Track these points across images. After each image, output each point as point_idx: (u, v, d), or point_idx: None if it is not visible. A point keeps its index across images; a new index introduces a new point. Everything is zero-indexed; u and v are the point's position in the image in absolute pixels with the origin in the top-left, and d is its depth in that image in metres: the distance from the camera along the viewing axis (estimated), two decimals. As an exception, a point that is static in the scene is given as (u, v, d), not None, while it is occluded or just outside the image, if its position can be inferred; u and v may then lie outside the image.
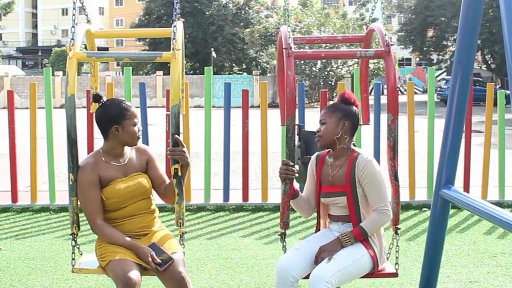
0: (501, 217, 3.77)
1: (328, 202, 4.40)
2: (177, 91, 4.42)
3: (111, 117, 4.19)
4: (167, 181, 4.41)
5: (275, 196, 8.82)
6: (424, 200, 8.82)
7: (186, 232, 4.51)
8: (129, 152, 4.36)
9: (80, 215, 4.36)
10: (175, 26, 4.53)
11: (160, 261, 4.06)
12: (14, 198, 8.77)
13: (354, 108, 4.34)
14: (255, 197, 8.99)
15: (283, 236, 4.53)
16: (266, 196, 8.88)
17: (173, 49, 4.49)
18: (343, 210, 4.35)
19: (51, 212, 8.59)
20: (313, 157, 4.54)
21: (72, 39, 4.61)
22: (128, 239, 4.17)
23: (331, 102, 4.90)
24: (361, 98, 5.75)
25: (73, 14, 4.59)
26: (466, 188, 8.91)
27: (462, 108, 4.44)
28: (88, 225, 4.32)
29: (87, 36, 5.11)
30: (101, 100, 4.29)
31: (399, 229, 4.55)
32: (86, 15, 5.11)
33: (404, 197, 8.49)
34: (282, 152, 8.34)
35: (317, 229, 4.58)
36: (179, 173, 4.28)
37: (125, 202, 4.24)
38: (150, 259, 4.05)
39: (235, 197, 8.97)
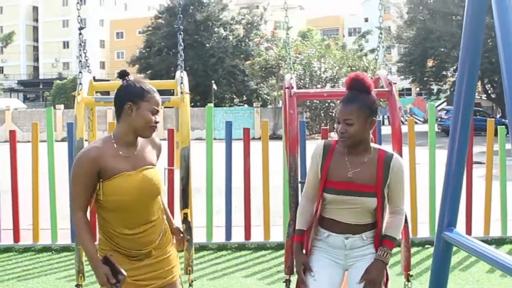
0: (503, 262, 3.77)
1: (341, 201, 3.86)
2: (187, 134, 4.45)
3: (128, 93, 3.72)
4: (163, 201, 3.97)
5: (278, 234, 8.81)
6: (427, 237, 8.79)
7: (195, 280, 4.35)
8: (142, 141, 3.84)
9: (85, 263, 4.26)
10: (182, 72, 4.60)
11: (115, 280, 3.57)
12: (16, 238, 8.77)
13: (373, 95, 3.92)
14: (257, 235, 8.97)
15: (288, 282, 4.48)
16: (269, 234, 8.86)
17: (181, 93, 4.53)
18: (359, 217, 3.87)
19: (53, 252, 8.58)
20: (319, 145, 4.00)
21: (80, 83, 4.68)
22: (92, 250, 3.60)
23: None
24: None
25: (80, 61, 4.65)
26: (468, 223, 8.89)
27: (463, 153, 4.45)
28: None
29: (90, 86, 5.18)
30: (126, 77, 3.82)
31: (411, 276, 4.48)
32: (88, 66, 5.17)
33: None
34: (284, 188, 8.36)
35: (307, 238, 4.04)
36: (189, 218, 4.14)
37: (130, 203, 3.67)
38: (105, 279, 3.53)
39: (237, 235, 8.94)
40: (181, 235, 4.10)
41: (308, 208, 4.01)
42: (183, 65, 4.80)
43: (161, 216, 3.90)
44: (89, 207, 3.74)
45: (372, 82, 3.89)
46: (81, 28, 4.88)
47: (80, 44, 4.83)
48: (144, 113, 3.69)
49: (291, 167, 4.64)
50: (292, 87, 4.91)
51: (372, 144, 3.92)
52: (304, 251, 4.00)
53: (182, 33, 5.14)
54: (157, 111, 3.76)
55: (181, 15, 5.43)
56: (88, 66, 5.16)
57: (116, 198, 3.63)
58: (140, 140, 3.81)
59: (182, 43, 4.98)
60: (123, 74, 3.82)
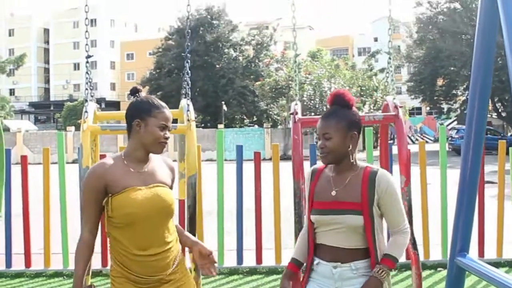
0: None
1: (324, 221, 3.69)
2: (193, 162, 4.45)
3: (137, 110, 3.69)
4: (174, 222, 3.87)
5: (289, 257, 8.75)
6: (439, 259, 8.73)
7: None
8: (155, 160, 3.80)
9: None
10: (188, 99, 4.62)
11: None
12: (28, 263, 8.76)
13: (355, 110, 3.81)
14: (269, 258, 8.92)
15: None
16: (280, 258, 8.82)
17: (188, 120, 4.54)
18: (346, 238, 3.65)
19: (65, 277, 8.57)
20: (308, 172, 3.93)
21: (86, 112, 4.71)
22: (79, 273, 3.56)
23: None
24: None
25: (86, 89, 4.69)
26: (481, 245, 8.83)
27: (475, 175, 4.45)
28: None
29: (94, 115, 5.23)
30: (137, 94, 3.80)
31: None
32: (92, 96, 5.20)
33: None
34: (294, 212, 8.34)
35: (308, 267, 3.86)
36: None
37: (140, 217, 3.57)
38: None
39: (249, 259, 8.90)
40: (209, 255, 3.88)
41: (305, 237, 3.90)
42: (189, 93, 4.83)
43: (176, 244, 3.80)
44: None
45: (353, 98, 3.80)
46: (88, 57, 4.92)
47: (86, 73, 4.88)
48: (152, 129, 3.65)
49: (296, 193, 4.64)
50: (297, 113, 4.94)
51: (359, 162, 3.77)
52: (301, 278, 3.89)
53: (189, 61, 5.17)
54: (166, 127, 3.71)
55: (189, 44, 5.51)
56: (92, 96, 5.19)
57: (125, 211, 3.56)
58: (153, 158, 3.77)
59: (189, 71, 5.02)
60: (134, 91, 3.81)
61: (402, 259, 8.57)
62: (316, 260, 3.74)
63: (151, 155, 3.76)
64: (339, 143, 3.65)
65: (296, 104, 5.09)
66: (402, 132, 5.07)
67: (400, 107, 5.21)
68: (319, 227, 3.73)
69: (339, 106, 3.75)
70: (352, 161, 3.72)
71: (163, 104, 3.76)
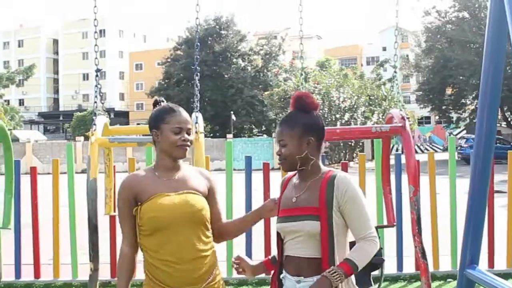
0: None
1: (286, 230, 3.54)
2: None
3: (152, 121, 3.72)
4: (224, 219, 3.86)
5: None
6: (449, 270, 8.69)
7: None
8: (189, 170, 3.77)
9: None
10: (197, 112, 4.63)
11: None
12: (37, 274, 8.76)
13: (315, 113, 3.60)
14: (277, 269, 8.89)
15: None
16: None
17: (196, 133, 4.55)
18: (305, 247, 3.46)
19: (74, 288, 8.58)
20: (281, 181, 3.83)
21: (94, 124, 4.73)
22: (120, 286, 3.60)
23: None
24: (383, 194, 5.71)
25: (95, 102, 4.70)
26: (491, 255, 8.78)
27: (485, 187, 4.43)
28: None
29: (104, 129, 5.24)
30: (158, 105, 3.78)
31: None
32: (99, 111, 5.22)
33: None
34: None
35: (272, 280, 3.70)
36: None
37: (165, 222, 3.51)
38: None
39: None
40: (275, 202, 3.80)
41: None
42: (198, 105, 4.85)
43: (212, 257, 3.68)
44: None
45: (315, 102, 3.60)
46: (97, 71, 4.95)
47: (96, 85, 4.91)
48: (167, 135, 3.62)
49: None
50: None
51: (324, 167, 3.60)
52: (265, 265, 3.82)
53: (198, 74, 5.20)
54: (181, 129, 3.65)
55: (198, 56, 5.50)
56: (102, 107, 5.23)
57: (149, 215, 3.52)
58: (186, 168, 3.74)
59: (198, 83, 5.04)
60: (154, 104, 3.80)
61: (411, 269, 8.55)
62: (283, 274, 3.58)
63: (184, 165, 3.75)
64: (294, 149, 3.51)
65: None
66: (410, 143, 5.06)
67: (407, 118, 5.20)
68: (285, 237, 3.56)
69: (298, 110, 3.58)
70: (313, 166, 3.55)
71: (177, 108, 3.72)
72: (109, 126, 5.59)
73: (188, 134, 3.69)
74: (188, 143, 3.68)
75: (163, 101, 3.80)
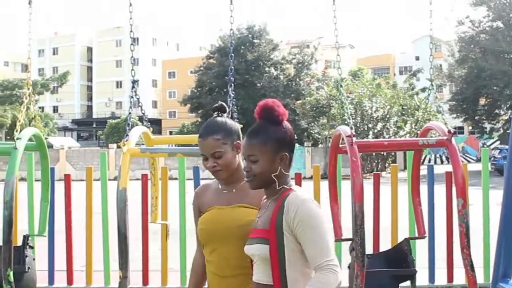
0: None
1: (247, 252, 3.24)
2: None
3: None
4: None
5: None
6: (481, 283, 8.58)
7: None
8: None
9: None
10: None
11: None
12: (70, 280, 8.84)
13: (286, 125, 3.26)
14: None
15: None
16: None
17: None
18: (260, 273, 3.17)
19: (106, 294, 8.64)
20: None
21: (127, 135, 4.80)
22: None
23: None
24: (414, 206, 5.71)
25: (129, 113, 4.76)
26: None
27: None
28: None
29: (146, 139, 5.31)
30: (218, 113, 3.61)
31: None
32: (146, 124, 5.26)
33: (459, 279, 8.30)
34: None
35: None
36: None
37: (212, 235, 3.45)
38: None
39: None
40: None
41: None
42: (234, 116, 4.89)
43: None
44: None
45: (285, 111, 3.25)
46: (134, 82, 5.02)
47: (132, 97, 4.98)
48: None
49: (357, 215, 4.66)
50: (354, 135, 5.01)
51: (289, 185, 3.24)
52: None
53: (232, 84, 5.23)
54: (206, 156, 3.48)
55: (232, 67, 5.54)
56: (144, 117, 5.29)
57: (201, 227, 3.51)
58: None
59: (232, 93, 5.08)
60: (216, 109, 3.65)
61: (443, 281, 8.49)
62: None
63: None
64: (266, 166, 3.17)
65: (351, 128, 5.13)
66: (457, 156, 5.07)
67: (454, 132, 5.22)
68: (253, 260, 3.26)
69: (267, 121, 3.23)
70: (280, 183, 3.21)
71: (204, 131, 3.54)
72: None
73: (216, 157, 3.48)
74: (216, 168, 3.48)
75: (221, 108, 3.64)
